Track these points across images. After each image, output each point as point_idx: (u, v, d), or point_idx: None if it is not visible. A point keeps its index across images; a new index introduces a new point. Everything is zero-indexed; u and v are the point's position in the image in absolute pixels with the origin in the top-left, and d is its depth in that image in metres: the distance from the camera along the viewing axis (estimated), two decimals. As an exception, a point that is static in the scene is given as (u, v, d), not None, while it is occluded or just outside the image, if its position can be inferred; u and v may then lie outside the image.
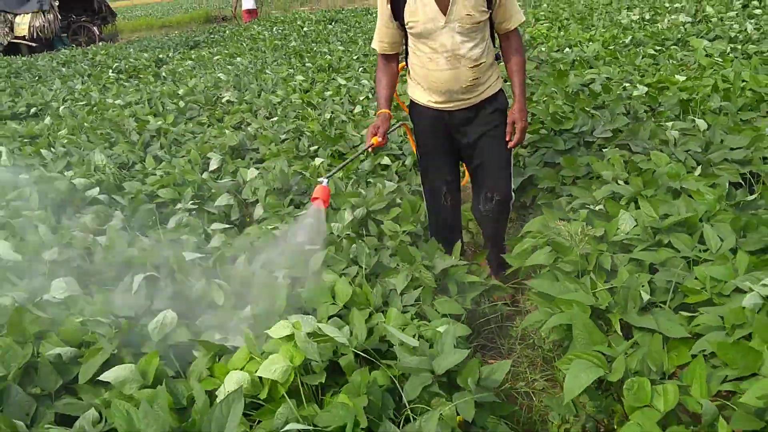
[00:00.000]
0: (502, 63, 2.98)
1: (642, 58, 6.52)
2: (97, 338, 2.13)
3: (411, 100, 3.03)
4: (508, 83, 3.15)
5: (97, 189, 3.77)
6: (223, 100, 6.97)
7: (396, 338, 2.04)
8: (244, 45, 13.53)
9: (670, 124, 3.93)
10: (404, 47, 2.92)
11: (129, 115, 6.20)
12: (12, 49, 18.82)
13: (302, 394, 1.94)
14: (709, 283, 2.33)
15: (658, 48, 6.98)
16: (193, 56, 12.30)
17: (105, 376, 1.94)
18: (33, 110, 7.77)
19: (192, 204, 3.54)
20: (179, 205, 3.46)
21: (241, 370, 2.01)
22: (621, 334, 2.29)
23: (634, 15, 9.69)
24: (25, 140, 5.43)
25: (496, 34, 2.92)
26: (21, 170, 3.92)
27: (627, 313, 2.31)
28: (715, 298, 2.28)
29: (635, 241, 2.70)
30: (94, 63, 12.61)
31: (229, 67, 10.01)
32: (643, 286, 2.37)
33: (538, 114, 4.54)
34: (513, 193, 3.08)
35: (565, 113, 4.54)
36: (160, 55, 12.82)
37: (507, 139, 2.91)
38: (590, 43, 7.99)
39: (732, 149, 3.63)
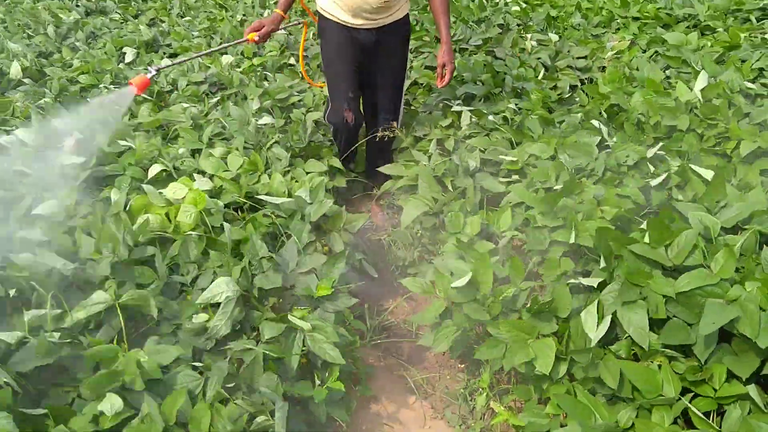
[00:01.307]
0: None
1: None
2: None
3: (318, 11, 3.05)
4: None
5: (21, 72, 4.16)
6: (138, -2, 7.18)
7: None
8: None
9: (529, 35, 4.63)
10: None
11: (44, 8, 6.38)
12: None
13: (207, 228, 2.56)
14: (523, 158, 3.05)
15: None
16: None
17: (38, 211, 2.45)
18: (-61, -1, 7.71)
19: (113, 86, 4.01)
20: (101, 85, 3.93)
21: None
22: (452, 190, 3.01)
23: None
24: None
25: None
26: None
27: (457, 177, 3.04)
28: (527, 168, 3.01)
29: (474, 132, 3.42)
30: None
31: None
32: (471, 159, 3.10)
33: (424, 22, 5.15)
34: (401, 113, 3.32)
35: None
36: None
37: (438, 81, 3.04)
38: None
39: (576, 58, 4.40)
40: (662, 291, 1.84)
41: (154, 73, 2.75)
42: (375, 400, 2.35)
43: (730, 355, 1.78)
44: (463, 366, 2.49)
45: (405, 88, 3.29)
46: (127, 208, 2.55)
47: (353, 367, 2.30)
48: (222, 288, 2.03)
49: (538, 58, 4.32)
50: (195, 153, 3.19)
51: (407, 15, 3.08)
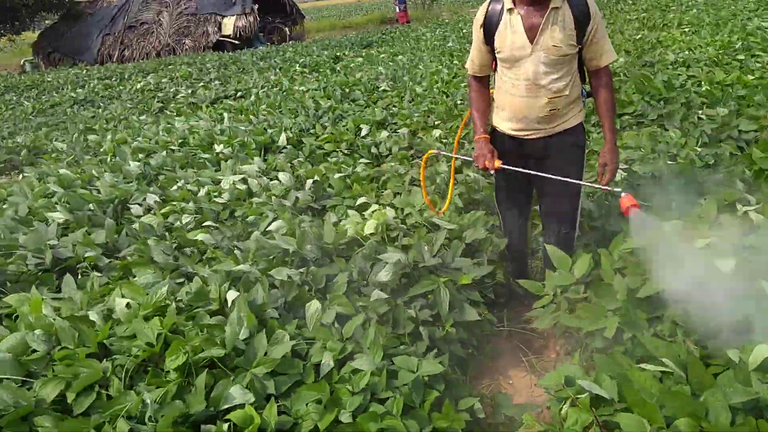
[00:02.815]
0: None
1: (735, 60, 7.45)
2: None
3: (492, 126, 3.14)
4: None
5: (285, 140, 5.70)
6: (380, 89, 8.81)
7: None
8: (408, 45, 15.47)
9: (700, 111, 5.11)
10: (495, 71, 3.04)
11: (309, 97, 8.22)
12: (219, 45, 22.34)
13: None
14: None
15: (758, 53, 7.81)
16: (363, 54, 14.43)
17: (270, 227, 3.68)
18: (239, 93, 10.15)
19: (345, 152, 5.35)
20: (337, 151, 5.29)
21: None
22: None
23: (764, 22, 10.25)
24: (237, 112, 7.61)
25: (586, 71, 2.97)
26: (240, 127, 5.96)
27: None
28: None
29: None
30: (284, 59, 15.16)
31: (390, 63, 11.92)
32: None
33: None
34: (578, 225, 3.27)
35: (632, 101, 5.80)
36: (337, 53, 15.12)
37: (599, 180, 2.95)
38: (707, 47, 8.87)
39: (741, 131, 4.79)
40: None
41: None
42: (495, 368, 3.11)
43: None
44: (569, 356, 3.14)
45: (581, 195, 3.20)
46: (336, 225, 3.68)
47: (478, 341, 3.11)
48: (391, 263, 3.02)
49: (702, 130, 4.79)
50: (396, 194, 4.28)
51: (581, 124, 3.02)
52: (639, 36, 11.29)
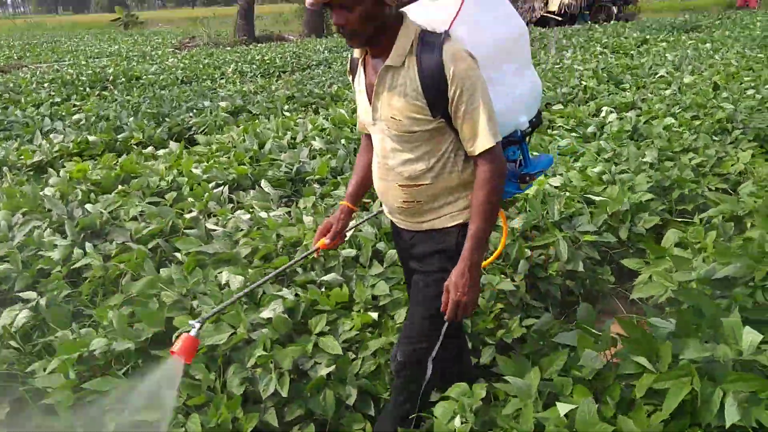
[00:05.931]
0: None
1: None
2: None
3: None
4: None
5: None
6: (657, 75, 8.80)
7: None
8: (732, 34, 14.35)
9: None
10: None
11: (578, 76, 8.65)
12: (542, 20, 23.02)
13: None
14: None
15: None
16: (671, 39, 13.91)
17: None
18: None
19: (567, 128, 5.86)
20: (561, 127, 5.86)
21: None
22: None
23: None
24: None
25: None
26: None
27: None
28: None
29: None
30: (589, 38, 15.30)
31: (694, 50, 11.41)
32: None
33: None
34: (428, 363, 2.21)
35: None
36: (647, 36, 14.76)
37: (442, 309, 1.96)
38: None
39: None
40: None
41: (198, 327, 1.99)
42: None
43: None
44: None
45: (442, 327, 2.17)
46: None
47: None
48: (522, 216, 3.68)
49: None
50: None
51: (459, 227, 2.04)
52: None
